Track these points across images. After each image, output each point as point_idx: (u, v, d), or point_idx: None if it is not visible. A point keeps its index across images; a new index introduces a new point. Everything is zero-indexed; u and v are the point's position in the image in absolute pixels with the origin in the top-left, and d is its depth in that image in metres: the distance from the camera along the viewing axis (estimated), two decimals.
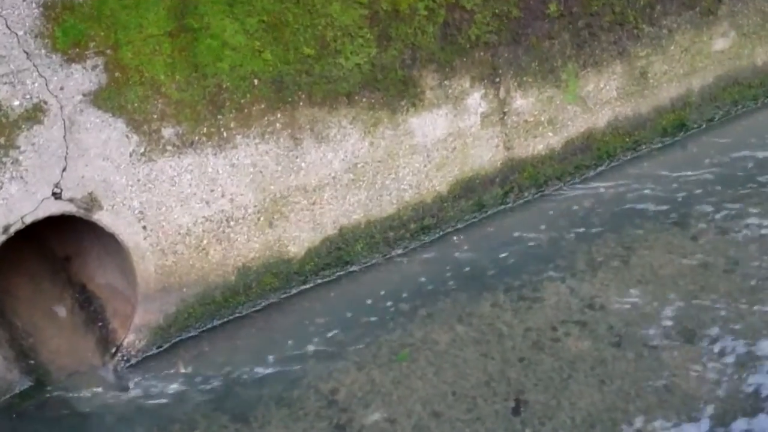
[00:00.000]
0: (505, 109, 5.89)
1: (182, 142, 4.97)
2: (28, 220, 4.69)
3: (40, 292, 5.49)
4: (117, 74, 4.78)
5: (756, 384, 4.97)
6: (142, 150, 4.88)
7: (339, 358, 5.27)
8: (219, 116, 5.04)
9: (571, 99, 6.10)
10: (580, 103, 6.13)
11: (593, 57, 6.03)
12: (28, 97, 4.59)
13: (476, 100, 5.76)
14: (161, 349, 5.30)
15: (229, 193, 5.15)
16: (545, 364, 5.18)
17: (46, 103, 4.65)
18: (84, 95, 4.73)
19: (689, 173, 6.29)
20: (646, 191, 6.18)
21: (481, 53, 5.68)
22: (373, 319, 5.47)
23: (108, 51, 4.75)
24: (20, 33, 4.53)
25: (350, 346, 5.33)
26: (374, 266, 5.76)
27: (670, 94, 6.39)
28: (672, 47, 6.26)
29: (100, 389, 5.12)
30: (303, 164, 5.33)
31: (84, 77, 4.71)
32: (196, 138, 5.01)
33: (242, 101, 5.09)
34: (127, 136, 4.84)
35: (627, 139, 6.38)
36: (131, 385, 5.13)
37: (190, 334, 5.37)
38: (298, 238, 5.49)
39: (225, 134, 5.07)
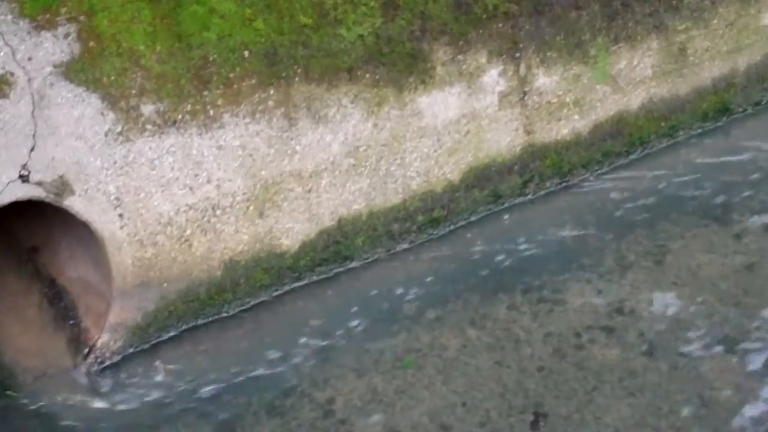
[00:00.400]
0: (526, 88, 5.92)
1: (163, 120, 5.01)
2: None
3: (4, 285, 5.55)
4: (91, 44, 4.82)
5: None
6: (119, 129, 4.92)
7: (337, 363, 5.31)
8: (205, 92, 5.08)
9: (600, 77, 6.12)
10: (611, 82, 6.16)
11: (626, 30, 6.05)
12: None
13: (493, 78, 5.78)
14: (139, 350, 5.36)
15: (216, 178, 5.19)
16: (567, 374, 5.20)
17: (12, 74, 4.69)
18: (54, 67, 4.77)
19: (733, 163, 6.31)
20: (684, 183, 6.20)
21: (500, 25, 5.71)
22: (375, 321, 5.52)
23: (81, 17, 4.79)
24: None
25: (349, 350, 5.37)
26: (376, 262, 5.80)
27: (711, 73, 6.41)
28: (715, 21, 6.28)
29: (70, 394, 5.17)
30: (298, 147, 5.36)
31: (55, 47, 4.75)
32: (179, 116, 5.04)
33: (231, 75, 5.12)
34: (102, 113, 4.88)
35: (663, 124, 6.40)
36: (105, 389, 5.18)
37: (171, 335, 5.42)
38: (292, 230, 5.53)
39: (211, 112, 5.11)
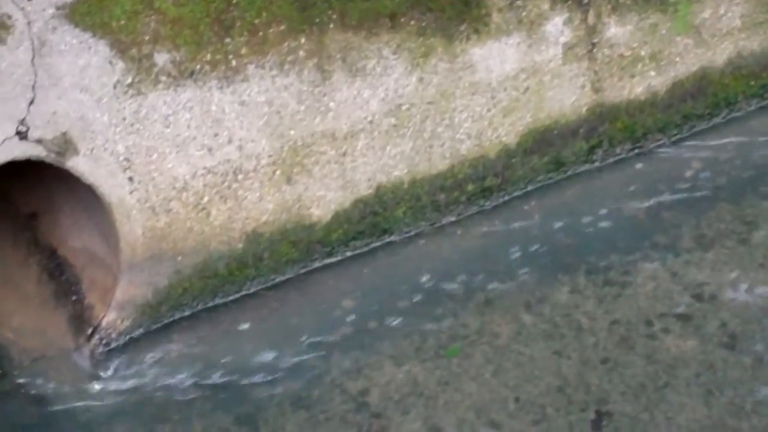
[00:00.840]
0: (595, 40, 5.89)
1: (180, 71, 5.04)
2: None
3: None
4: None
5: None
6: (130, 80, 4.95)
7: (372, 350, 5.35)
8: (227, 40, 5.11)
9: (681, 28, 6.08)
10: (693, 33, 6.11)
11: None
12: None
13: (557, 27, 5.76)
14: (149, 331, 5.43)
15: (238, 138, 5.23)
16: (636, 368, 5.21)
17: (9, 17, 4.73)
18: (57, 9, 4.80)
19: None
20: None
21: None
22: (416, 303, 5.55)
23: None
24: None
25: (386, 335, 5.41)
26: (419, 237, 5.83)
27: None
28: None
29: (72, 378, 5.24)
30: (332, 104, 5.38)
31: None
32: (198, 67, 5.07)
33: (256, 21, 5.14)
34: (110, 63, 4.91)
35: (752, 83, 6.35)
36: (110, 374, 5.25)
37: (186, 314, 5.48)
38: (324, 198, 5.56)
39: (234, 63, 5.14)
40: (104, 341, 5.36)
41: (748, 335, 5.29)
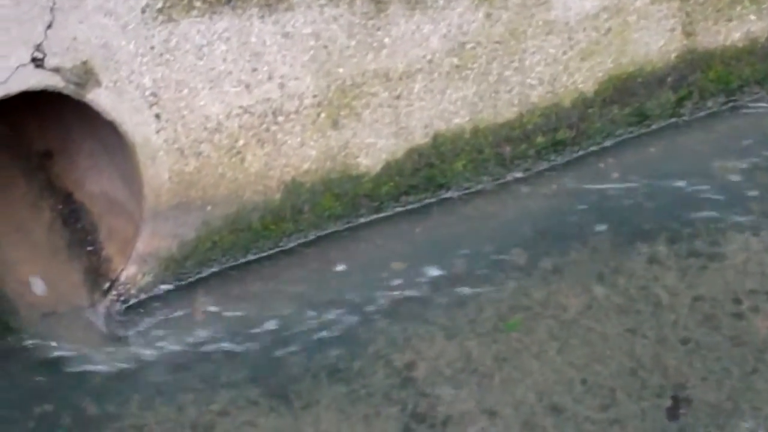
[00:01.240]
0: None
1: None
2: None
3: (8, 198, 5.69)
4: None
5: None
6: (160, 5, 4.95)
7: (421, 319, 5.37)
8: None
9: None
10: None
11: None
12: None
13: None
14: (173, 288, 5.48)
15: (279, 75, 5.23)
16: (720, 350, 5.20)
17: None
18: None
19: None
20: None
21: None
22: (474, 268, 5.56)
23: None
24: None
25: (438, 303, 5.43)
26: (480, 194, 5.84)
27: None
28: None
29: (85, 338, 5.30)
30: (387, 40, 5.37)
31: None
32: None
33: None
34: None
35: None
36: (128, 335, 5.31)
37: (214, 271, 5.53)
38: (374, 146, 5.57)
39: None
40: (122, 298, 5.41)
41: None
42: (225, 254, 5.53)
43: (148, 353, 5.27)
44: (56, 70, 4.86)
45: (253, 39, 5.13)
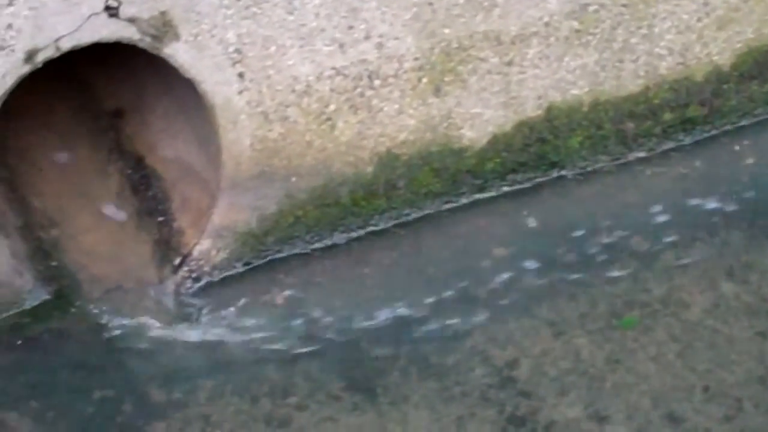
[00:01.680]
0: None
1: None
2: (66, 45, 4.89)
3: (73, 160, 5.82)
4: None
5: None
6: None
7: (526, 312, 5.41)
8: None
9: None
10: None
11: None
12: None
13: None
14: (250, 267, 5.56)
15: (377, 34, 5.27)
16: None
17: None
18: None
19: None
20: None
21: None
22: (587, 257, 5.59)
23: None
24: None
25: (545, 296, 5.46)
26: (597, 174, 5.87)
27: None
28: None
29: (151, 317, 5.40)
30: None
31: None
32: None
33: None
34: None
35: None
36: (199, 316, 5.40)
37: (297, 251, 5.61)
38: (480, 117, 5.60)
39: None
40: (194, 275, 5.51)
41: None
42: (309, 231, 5.60)
43: (220, 337, 5.35)
44: (131, 20, 4.92)
45: None
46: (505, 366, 5.24)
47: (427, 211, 5.72)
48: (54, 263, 5.53)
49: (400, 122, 5.47)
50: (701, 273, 5.51)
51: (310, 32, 5.16)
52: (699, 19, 5.70)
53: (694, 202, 5.77)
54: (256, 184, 5.39)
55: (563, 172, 5.84)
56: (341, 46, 5.23)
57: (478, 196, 5.76)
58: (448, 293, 5.49)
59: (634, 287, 5.48)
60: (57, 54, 4.88)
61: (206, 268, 5.51)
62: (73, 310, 5.43)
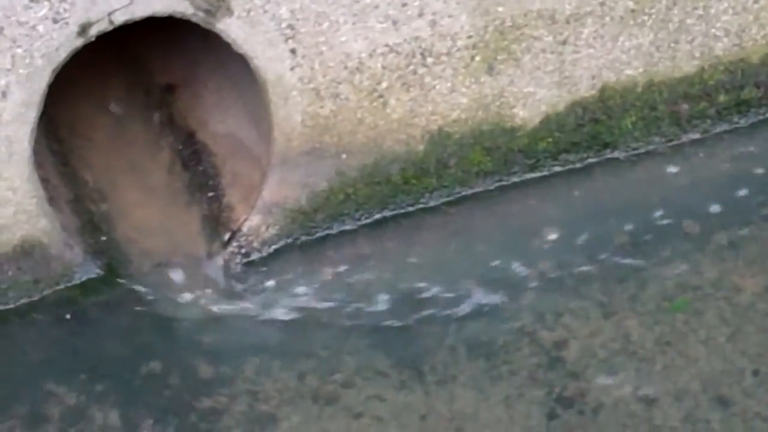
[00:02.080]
0: None
1: None
2: (119, 19, 4.91)
3: (125, 135, 5.87)
4: None
5: None
6: None
7: (576, 293, 5.41)
8: None
9: None
10: None
11: None
12: None
13: None
14: (299, 244, 5.59)
15: (431, 11, 5.25)
16: None
17: None
18: None
19: None
20: None
21: None
22: (639, 239, 5.58)
23: None
24: None
25: (596, 277, 5.46)
26: (650, 156, 5.84)
27: None
28: None
29: (200, 292, 5.44)
30: None
31: None
32: None
33: None
34: None
35: None
36: (248, 292, 5.43)
37: (347, 227, 5.64)
38: (532, 96, 5.59)
39: None
40: (243, 251, 5.54)
41: None
42: (359, 209, 5.62)
43: (268, 313, 5.39)
44: None
45: None
46: (554, 347, 5.25)
47: (477, 190, 5.72)
48: (104, 237, 5.58)
49: (452, 100, 5.47)
50: (754, 256, 5.49)
51: (363, 9, 5.16)
52: (756, 1, 5.66)
53: (747, 184, 5.74)
54: (306, 161, 5.42)
55: (616, 153, 5.83)
56: (394, 23, 5.22)
57: (529, 175, 5.76)
58: (498, 272, 5.50)
59: (686, 270, 5.46)
60: (110, 28, 4.90)
61: (255, 244, 5.54)
62: (122, 284, 5.48)
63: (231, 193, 5.64)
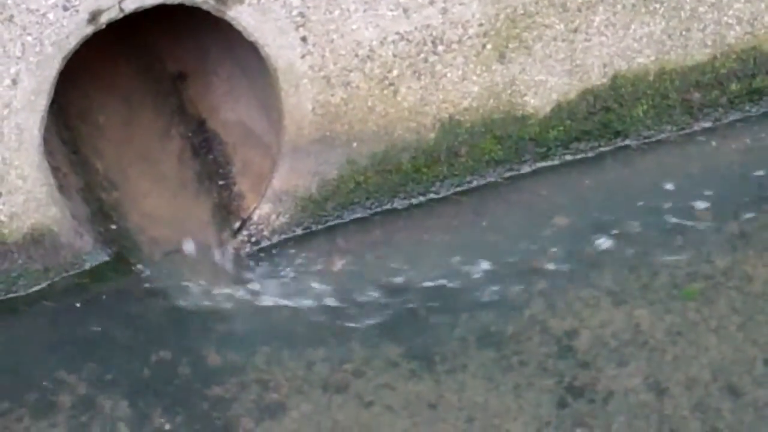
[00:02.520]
0: None
1: None
2: (129, 6, 4.93)
3: (137, 123, 5.88)
4: None
5: None
6: None
7: (586, 282, 5.42)
8: None
9: None
10: None
11: None
12: None
13: None
14: (309, 232, 5.60)
15: None
16: None
17: None
18: None
19: None
20: None
21: None
22: (649, 227, 5.58)
23: None
24: None
25: (606, 266, 5.46)
26: (661, 144, 5.85)
27: None
28: None
29: (210, 280, 5.46)
30: None
31: None
32: None
33: None
34: None
35: None
36: (258, 280, 5.45)
37: (357, 216, 5.64)
38: (544, 84, 5.60)
39: None
40: (253, 239, 5.56)
41: None
42: (369, 197, 5.63)
43: (278, 301, 5.40)
44: None
45: None
46: (564, 336, 5.26)
47: (488, 179, 5.73)
48: (114, 225, 5.60)
49: (463, 89, 5.48)
50: (765, 246, 5.50)
51: None
52: None
53: (759, 173, 5.75)
54: (317, 149, 5.43)
55: (627, 142, 5.83)
56: (405, 10, 5.23)
57: (540, 164, 5.77)
58: (508, 261, 5.50)
59: (696, 258, 5.47)
60: (120, 15, 4.92)
61: (265, 233, 5.55)
62: (132, 272, 5.50)
63: (241, 182, 5.65)
